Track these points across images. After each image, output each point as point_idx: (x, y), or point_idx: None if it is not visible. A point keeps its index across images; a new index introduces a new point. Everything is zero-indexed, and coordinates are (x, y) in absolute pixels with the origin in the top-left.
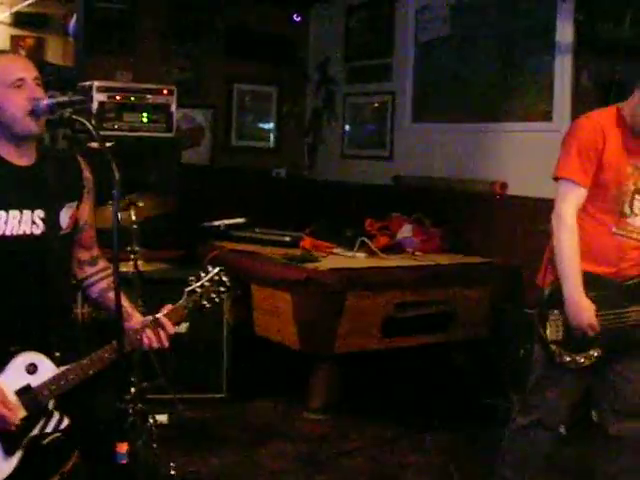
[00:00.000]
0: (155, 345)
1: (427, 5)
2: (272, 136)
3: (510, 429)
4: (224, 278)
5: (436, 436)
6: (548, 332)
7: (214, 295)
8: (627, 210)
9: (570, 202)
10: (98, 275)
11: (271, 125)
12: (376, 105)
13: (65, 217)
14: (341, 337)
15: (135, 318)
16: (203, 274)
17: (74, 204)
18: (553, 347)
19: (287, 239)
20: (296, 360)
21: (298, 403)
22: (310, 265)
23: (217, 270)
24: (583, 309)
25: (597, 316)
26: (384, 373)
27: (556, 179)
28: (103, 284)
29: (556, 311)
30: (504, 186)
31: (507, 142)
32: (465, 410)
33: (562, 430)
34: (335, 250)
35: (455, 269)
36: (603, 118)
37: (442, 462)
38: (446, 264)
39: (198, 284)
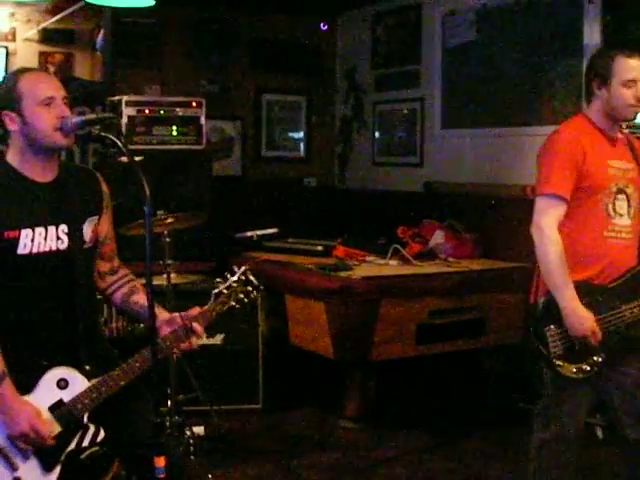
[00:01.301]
0: (186, 349)
1: (453, 10)
2: (302, 146)
3: (533, 446)
4: (251, 277)
5: (471, 442)
6: (550, 349)
7: (242, 295)
8: (612, 212)
9: (551, 215)
10: (120, 282)
11: (301, 135)
12: (405, 112)
13: (88, 231)
14: (375, 345)
15: (161, 317)
16: (229, 275)
17: (95, 218)
18: (558, 362)
19: (320, 248)
20: (331, 369)
21: (333, 412)
22: (343, 274)
23: (243, 269)
24: (582, 318)
25: (596, 322)
26: (418, 380)
27: (537, 195)
28: (125, 289)
29: (552, 326)
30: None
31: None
32: (499, 415)
33: (599, 433)
34: (368, 258)
35: (488, 275)
36: (578, 130)
37: (478, 469)
38: (479, 270)
39: (225, 285)
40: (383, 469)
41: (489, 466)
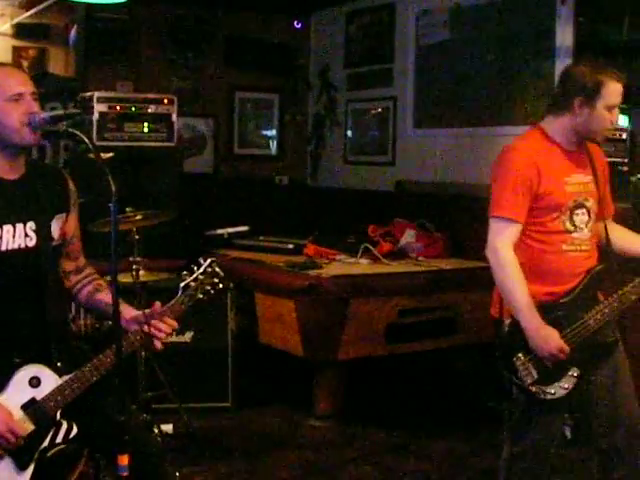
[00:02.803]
0: (158, 348)
1: (427, 10)
2: (274, 143)
3: (503, 458)
4: (217, 269)
5: (440, 441)
6: (522, 377)
7: (209, 287)
8: (570, 227)
9: (506, 237)
10: (84, 280)
11: (273, 132)
12: (378, 111)
13: (56, 228)
14: (345, 344)
15: (126, 313)
16: (196, 267)
17: (63, 215)
18: (533, 389)
19: (290, 246)
20: (300, 368)
21: (303, 410)
22: (313, 272)
23: (209, 262)
24: (547, 337)
25: (562, 337)
26: (389, 379)
27: (490, 217)
28: (90, 287)
29: (520, 354)
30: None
31: None
32: (469, 414)
33: (568, 433)
34: (338, 257)
35: (458, 274)
36: (533, 148)
37: (447, 468)
38: (449, 269)
39: (192, 278)
40: (352, 468)
41: (458, 465)
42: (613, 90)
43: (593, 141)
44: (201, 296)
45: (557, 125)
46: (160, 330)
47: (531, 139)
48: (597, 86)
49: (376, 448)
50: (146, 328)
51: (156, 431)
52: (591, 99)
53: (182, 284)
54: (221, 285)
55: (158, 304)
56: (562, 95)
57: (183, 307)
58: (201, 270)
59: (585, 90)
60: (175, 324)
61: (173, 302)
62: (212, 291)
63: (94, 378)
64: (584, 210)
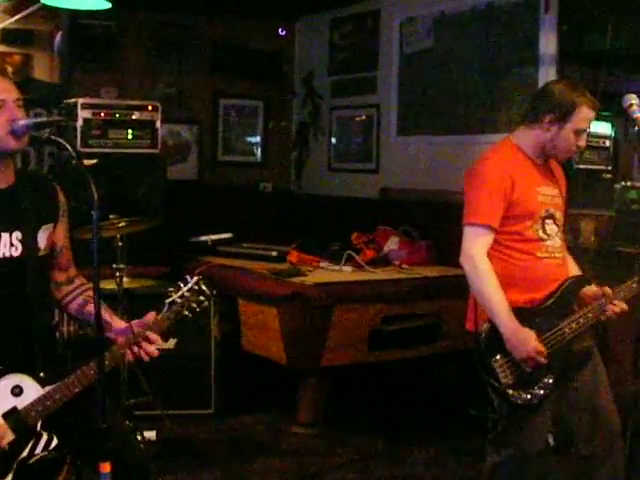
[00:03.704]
0: (146, 358)
1: (411, 17)
2: (259, 150)
3: (486, 467)
4: (203, 287)
5: (423, 449)
6: (500, 380)
7: (195, 305)
8: (543, 235)
9: (481, 244)
10: (75, 292)
11: (257, 139)
12: (362, 118)
13: (42, 238)
14: (328, 351)
15: (115, 326)
16: (182, 284)
17: (50, 226)
18: (510, 392)
19: (274, 254)
20: (284, 375)
21: (286, 418)
22: (297, 279)
23: (196, 279)
24: (525, 340)
25: (540, 342)
26: (372, 386)
27: (464, 225)
28: (80, 299)
29: (498, 356)
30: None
31: None
32: (453, 422)
33: (551, 440)
34: (322, 264)
35: (442, 281)
36: (506, 158)
37: (430, 475)
38: (433, 276)
39: (178, 294)
40: (335, 475)
41: (441, 473)
42: (585, 116)
43: (555, 160)
44: (187, 313)
45: (527, 138)
46: (147, 352)
47: (504, 150)
48: (571, 108)
49: (359, 455)
50: (135, 349)
51: (139, 438)
52: (561, 119)
53: (168, 300)
54: (206, 303)
55: (152, 314)
56: (534, 109)
57: (168, 323)
58: (187, 287)
59: (558, 109)
60: (159, 340)
61: (159, 317)
62: (198, 309)
63: (77, 390)
64: (553, 220)
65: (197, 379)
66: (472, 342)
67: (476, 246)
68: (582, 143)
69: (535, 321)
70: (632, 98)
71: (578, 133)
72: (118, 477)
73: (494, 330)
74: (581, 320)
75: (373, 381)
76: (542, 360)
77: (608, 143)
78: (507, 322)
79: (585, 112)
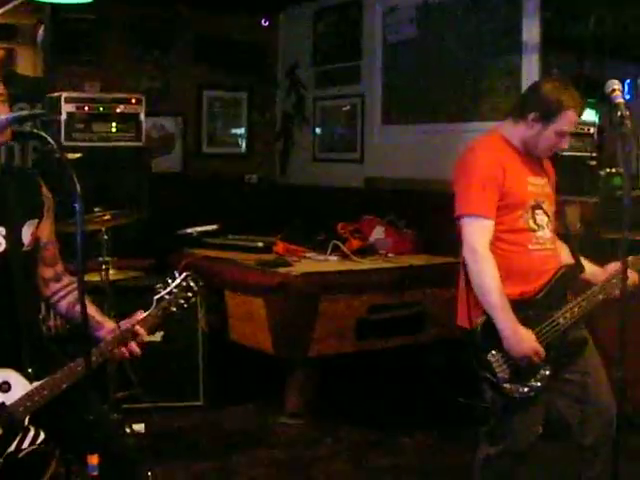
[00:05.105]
0: (127, 355)
1: (394, 7)
2: (243, 142)
3: (478, 459)
4: (191, 283)
5: (412, 437)
6: (497, 375)
7: (182, 301)
8: (533, 226)
9: (482, 235)
10: (64, 290)
11: (242, 131)
12: (346, 108)
13: (27, 234)
14: (315, 341)
15: (106, 326)
16: (170, 281)
17: (35, 221)
18: (506, 386)
19: (260, 245)
20: (272, 366)
21: (275, 408)
22: (283, 270)
23: (184, 276)
24: (523, 339)
25: (535, 334)
26: (360, 376)
27: (461, 217)
28: (70, 298)
29: (493, 351)
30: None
31: None
32: (441, 411)
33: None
34: (308, 254)
35: (428, 270)
36: (497, 149)
37: (418, 464)
38: (419, 265)
39: (166, 291)
40: (324, 465)
41: (430, 461)
42: (570, 119)
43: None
44: (174, 309)
45: (514, 131)
46: (133, 352)
47: (492, 141)
48: (556, 110)
49: (348, 445)
50: (124, 350)
51: (128, 431)
52: (546, 119)
53: (156, 297)
54: (194, 299)
55: (141, 312)
56: (522, 104)
57: (156, 320)
58: (175, 284)
59: (544, 108)
60: (147, 337)
61: (146, 314)
62: (186, 305)
63: (64, 385)
64: (542, 210)
65: (185, 371)
66: (465, 337)
67: (479, 238)
68: (564, 145)
69: (529, 314)
70: (615, 84)
71: (561, 135)
72: (105, 469)
73: (489, 324)
74: (575, 309)
75: (361, 370)
76: (538, 360)
77: (592, 130)
78: (506, 319)
79: (570, 116)
